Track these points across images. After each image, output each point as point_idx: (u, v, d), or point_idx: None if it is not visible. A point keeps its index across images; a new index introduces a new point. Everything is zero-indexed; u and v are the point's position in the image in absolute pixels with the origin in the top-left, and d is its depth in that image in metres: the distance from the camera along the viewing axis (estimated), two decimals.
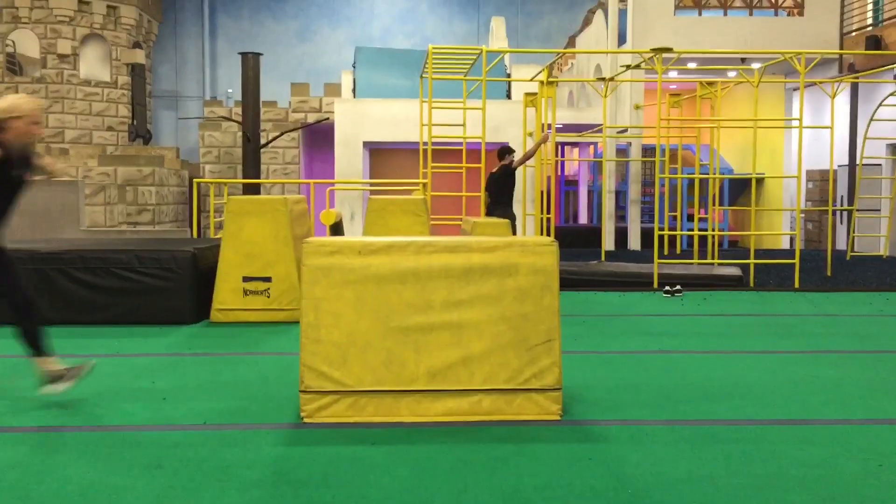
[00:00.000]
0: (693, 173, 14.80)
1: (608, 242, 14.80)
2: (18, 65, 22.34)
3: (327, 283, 4.19)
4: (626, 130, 15.54)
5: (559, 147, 17.33)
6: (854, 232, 13.27)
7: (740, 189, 17.54)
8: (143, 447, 3.80)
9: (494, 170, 10.97)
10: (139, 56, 23.13)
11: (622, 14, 15.73)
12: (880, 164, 14.09)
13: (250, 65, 17.36)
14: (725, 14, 15.41)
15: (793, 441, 3.90)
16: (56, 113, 21.99)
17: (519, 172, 11.49)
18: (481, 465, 3.57)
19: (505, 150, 11.01)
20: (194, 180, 12.11)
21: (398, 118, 15.47)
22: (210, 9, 25.14)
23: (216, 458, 3.66)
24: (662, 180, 13.57)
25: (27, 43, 22.10)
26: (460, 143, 12.34)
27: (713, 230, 12.32)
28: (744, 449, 3.78)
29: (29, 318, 4.53)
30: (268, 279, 7.34)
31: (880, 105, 12.91)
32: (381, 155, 19.34)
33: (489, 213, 10.89)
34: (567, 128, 16.01)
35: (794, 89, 16.33)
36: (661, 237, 10.83)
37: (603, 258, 12.19)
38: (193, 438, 3.94)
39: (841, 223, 15.19)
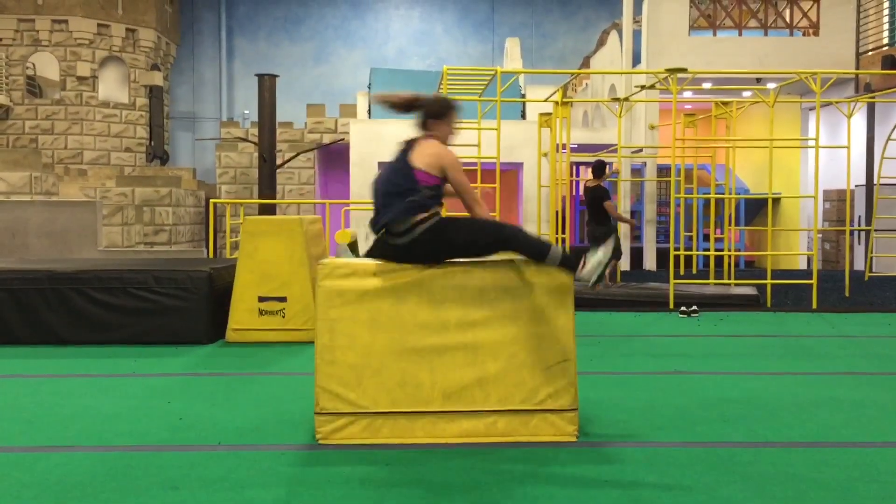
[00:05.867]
0: (709, 193, 14.76)
1: (623, 262, 14.75)
2: (38, 87, 22.63)
3: (342, 304, 4.19)
4: (641, 150, 15.53)
5: (574, 167, 17.34)
6: (872, 252, 13.18)
7: (756, 209, 17.47)
8: (158, 467, 3.80)
9: (593, 184, 10.56)
10: (157, 78, 23.39)
11: (637, 35, 15.76)
12: None
13: (266, 86, 17.51)
14: (740, 34, 15.41)
15: (811, 464, 3.86)
16: (75, 134, 22.23)
17: (537, 192, 11.46)
18: (497, 486, 3.55)
19: (604, 167, 10.66)
20: (211, 201, 12.17)
21: None
22: (227, 31, 25.42)
23: (231, 478, 3.66)
24: (678, 200, 13.54)
25: (47, 65, 22.42)
26: (475, 164, 12.38)
27: (729, 250, 12.26)
28: (761, 471, 3.74)
29: None
30: (283, 299, 7.36)
31: None
32: None
33: (593, 230, 10.52)
34: (582, 148, 16.03)
35: (810, 109, 16.29)
36: (676, 257, 10.78)
37: (619, 279, 12.14)
38: (209, 459, 3.94)
39: (859, 243, 15.09)
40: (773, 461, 3.89)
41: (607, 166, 10.80)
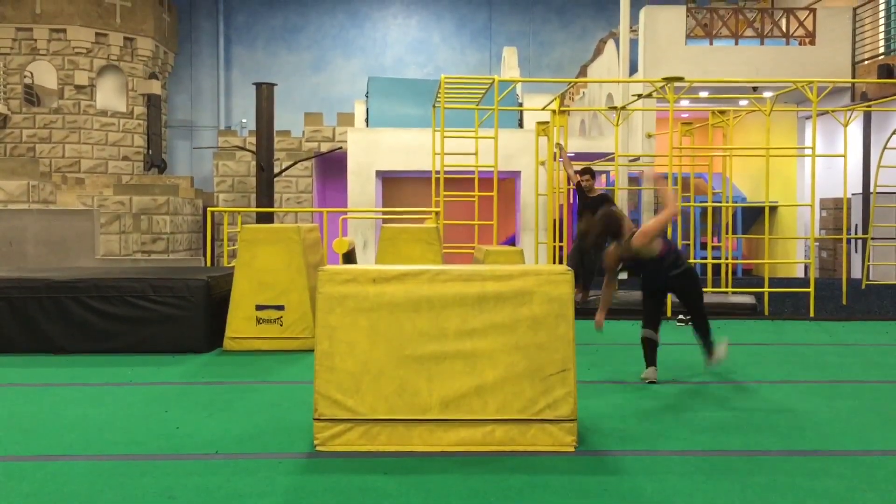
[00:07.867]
0: (706, 201, 14.78)
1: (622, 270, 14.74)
2: (36, 96, 22.64)
3: (342, 311, 4.19)
4: (638, 159, 15.55)
5: None
6: (869, 260, 13.18)
7: (754, 217, 17.49)
8: (155, 476, 3.79)
9: (595, 194, 9.89)
10: (155, 87, 23.39)
11: (633, 43, 15.80)
12: (894, 193, 14.02)
13: (264, 95, 17.52)
14: (737, 43, 15.46)
15: (810, 472, 3.86)
16: (72, 143, 22.22)
17: (535, 200, 11.45)
18: (494, 496, 3.54)
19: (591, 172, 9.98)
20: (208, 209, 12.17)
21: (411, 147, 15.54)
22: (225, 40, 25.44)
23: (229, 486, 3.64)
24: None
25: (45, 74, 22.42)
26: (472, 172, 12.38)
27: (727, 258, 12.28)
28: (760, 480, 3.73)
29: None
30: (281, 307, 7.35)
31: (893, 133, 12.88)
32: (393, 184, 19.42)
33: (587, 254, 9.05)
34: (579, 156, 16.02)
35: (807, 118, 16.33)
36: None
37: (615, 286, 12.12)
38: (206, 467, 3.93)
39: (856, 251, 15.11)
40: (771, 470, 3.89)
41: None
